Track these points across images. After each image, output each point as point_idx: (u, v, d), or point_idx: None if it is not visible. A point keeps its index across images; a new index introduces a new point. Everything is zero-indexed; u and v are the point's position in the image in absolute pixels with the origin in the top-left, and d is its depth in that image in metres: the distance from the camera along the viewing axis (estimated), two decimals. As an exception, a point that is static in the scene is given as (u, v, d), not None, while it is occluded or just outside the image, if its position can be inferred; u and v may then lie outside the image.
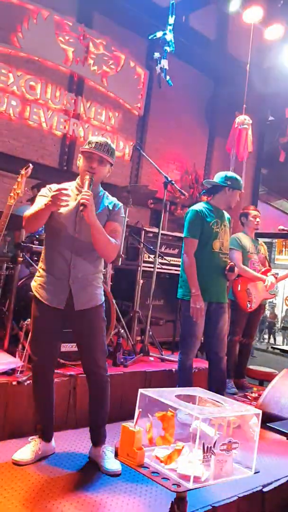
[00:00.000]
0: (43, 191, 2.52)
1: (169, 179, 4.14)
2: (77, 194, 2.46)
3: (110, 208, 2.53)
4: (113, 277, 5.00)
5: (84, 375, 2.61)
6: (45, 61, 5.80)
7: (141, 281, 4.58)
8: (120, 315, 4.18)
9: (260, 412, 1.83)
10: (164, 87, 5.24)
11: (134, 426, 1.76)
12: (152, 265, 4.38)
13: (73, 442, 2.83)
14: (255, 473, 1.81)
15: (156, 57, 4.36)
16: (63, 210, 2.42)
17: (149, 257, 4.89)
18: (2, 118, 5.45)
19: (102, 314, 2.57)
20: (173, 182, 4.16)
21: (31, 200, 4.58)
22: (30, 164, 3.19)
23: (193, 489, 1.62)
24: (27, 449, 2.49)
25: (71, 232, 2.44)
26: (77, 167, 6.26)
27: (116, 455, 1.78)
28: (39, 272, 2.55)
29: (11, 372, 2.98)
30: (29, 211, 2.42)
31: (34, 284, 2.54)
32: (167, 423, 1.71)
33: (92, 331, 2.51)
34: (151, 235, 5.10)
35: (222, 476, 1.71)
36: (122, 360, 3.75)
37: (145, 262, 4.88)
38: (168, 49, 4.77)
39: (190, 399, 1.95)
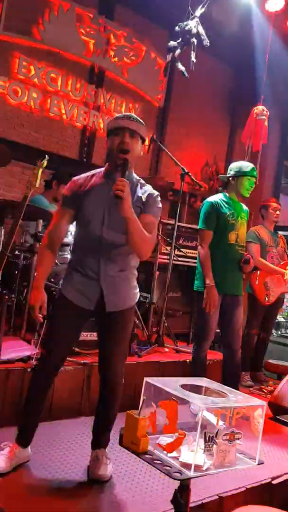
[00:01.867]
0: (67, 190, 2.33)
1: (186, 170, 4.13)
2: (103, 182, 2.27)
3: (144, 199, 2.26)
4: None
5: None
6: (66, 53, 5.83)
7: (157, 273, 4.59)
8: (136, 306, 4.20)
9: (264, 403, 1.83)
10: (185, 79, 5.21)
11: (139, 413, 1.79)
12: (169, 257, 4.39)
13: (87, 429, 2.85)
14: (258, 464, 1.81)
15: (171, 45, 4.29)
16: (90, 201, 2.23)
17: (166, 249, 4.90)
18: (23, 110, 5.52)
19: (133, 316, 2.40)
20: (189, 173, 4.14)
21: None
22: (46, 156, 3.24)
23: (194, 477, 1.64)
24: (1, 456, 2.25)
25: (100, 226, 2.21)
26: (97, 159, 6.24)
27: (120, 442, 1.81)
28: (67, 269, 2.37)
29: (26, 359, 3.04)
30: (43, 246, 2.33)
31: (61, 281, 2.38)
32: (170, 411, 1.72)
33: (118, 335, 2.34)
34: (169, 227, 5.09)
35: (225, 466, 1.72)
36: (136, 350, 3.79)
37: (163, 254, 4.89)
38: (194, 41, 4.72)
39: (196, 389, 1.96)
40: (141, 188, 2.31)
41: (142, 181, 2.37)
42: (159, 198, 2.32)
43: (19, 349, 3.14)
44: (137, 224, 2.11)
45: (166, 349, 4.20)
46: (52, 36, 5.64)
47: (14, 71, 5.41)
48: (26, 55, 5.48)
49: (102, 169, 2.36)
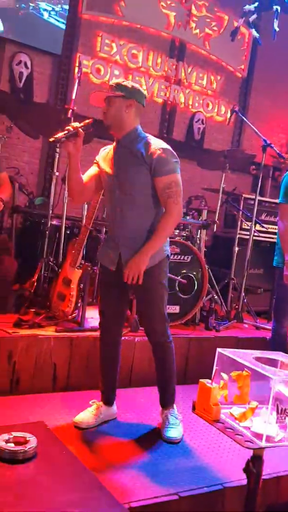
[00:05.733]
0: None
1: (268, 142, 3.99)
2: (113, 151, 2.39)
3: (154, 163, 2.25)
4: (211, 243, 5.03)
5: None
6: (147, 28, 5.82)
7: (237, 249, 4.53)
8: (214, 281, 4.20)
9: None
10: (270, 46, 4.98)
11: (211, 383, 1.83)
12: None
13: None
14: None
15: (246, 9, 4.00)
16: (105, 166, 2.39)
17: (247, 224, 4.80)
18: (105, 88, 5.61)
19: (158, 277, 2.37)
20: (271, 145, 4.00)
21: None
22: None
23: (265, 447, 1.65)
24: (88, 412, 2.47)
25: (113, 189, 2.35)
26: (177, 134, 6.21)
27: (193, 409, 1.87)
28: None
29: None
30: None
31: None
32: (242, 382, 1.74)
33: (145, 295, 2.40)
34: (251, 202, 4.98)
35: (298, 439, 1.72)
36: (214, 324, 3.80)
37: (244, 229, 4.81)
38: (278, 8, 4.47)
39: (271, 362, 1.95)
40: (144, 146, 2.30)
41: (150, 139, 2.34)
42: (168, 153, 2.28)
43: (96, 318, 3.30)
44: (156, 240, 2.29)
45: (246, 325, 4.17)
46: (133, 12, 5.65)
47: (96, 49, 5.52)
48: (108, 33, 5.55)
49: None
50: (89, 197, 2.68)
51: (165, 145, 2.32)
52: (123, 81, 2.37)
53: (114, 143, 2.41)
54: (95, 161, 2.50)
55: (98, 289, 2.64)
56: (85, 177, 2.44)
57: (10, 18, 4.90)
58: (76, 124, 2.27)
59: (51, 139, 2.25)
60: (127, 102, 2.31)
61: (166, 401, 2.52)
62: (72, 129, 2.24)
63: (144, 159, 2.26)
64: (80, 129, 2.26)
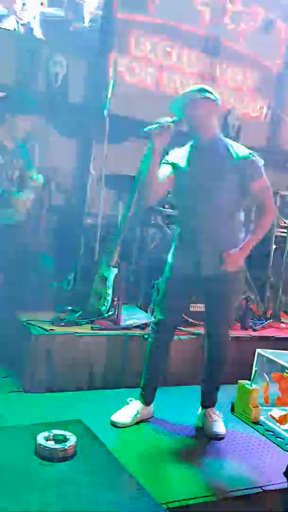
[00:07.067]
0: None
1: (306, 138, 3.88)
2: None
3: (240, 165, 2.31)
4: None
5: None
6: (181, 25, 5.77)
7: (273, 247, 4.45)
8: (251, 280, 4.14)
9: None
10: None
11: (251, 384, 1.80)
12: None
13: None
14: None
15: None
16: (182, 170, 2.37)
17: (284, 222, 4.70)
18: (139, 86, 5.61)
19: (235, 281, 2.42)
20: (310, 141, 3.89)
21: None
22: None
23: (307, 451, 1.62)
24: (125, 411, 2.50)
25: (194, 194, 2.33)
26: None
27: (232, 410, 1.84)
28: (175, 236, 2.51)
29: (143, 326, 3.19)
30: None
31: (171, 248, 2.52)
32: (283, 384, 1.70)
33: (219, 302, 2.43)
34: (288, 199, 4.87)
35: None
36: (251, 324, 3.75)
37: (281, 227, 4.71)
38: None
39: (312, 364, 1.90)
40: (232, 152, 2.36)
41: (234, 145, 2.40)
42: (254, 159, 2.34)
43: (136, 317, 3.31)
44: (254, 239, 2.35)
45: (283, 325, 4.09)
46: (167, 9, 5.60)
47: (131, 48, 5.52)
48: (142, 31, 5.54)
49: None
50: (160, 197, 2.57)
51: (251, 151, 2.37)
52: (204, 86, 2.40)
53: (191, 147, 2.42)
54: (166, 162, 2.45)
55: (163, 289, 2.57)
56: (160, 176, 2.39)
57: (56, 28, 4.99)
58: (168, 119, 2.28)
59: (146, 129, 2.26)
60: (215, 104, 2.36)
61: (212, 401, 2.46)
62: (163, 124, 2.25)
63: (232, 163, 2.30)
64: (171, 123, 2.27)
